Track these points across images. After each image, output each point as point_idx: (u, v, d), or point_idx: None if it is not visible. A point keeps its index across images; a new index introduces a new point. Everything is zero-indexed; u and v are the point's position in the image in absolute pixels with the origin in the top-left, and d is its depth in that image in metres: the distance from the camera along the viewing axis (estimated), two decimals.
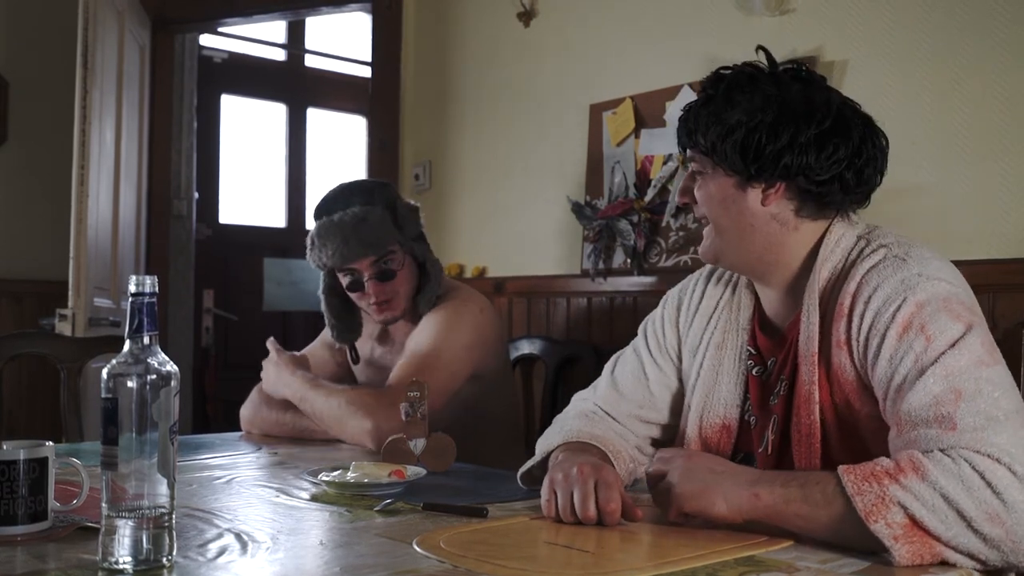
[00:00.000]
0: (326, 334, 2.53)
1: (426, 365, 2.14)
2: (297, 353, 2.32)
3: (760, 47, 1.54)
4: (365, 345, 2.47)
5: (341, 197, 2.29)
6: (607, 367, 1.75)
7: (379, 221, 2.23)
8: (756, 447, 1.52)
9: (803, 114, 1.44)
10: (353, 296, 2.32)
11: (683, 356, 1.67)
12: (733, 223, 1.50)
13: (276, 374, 2.25)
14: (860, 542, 1.18)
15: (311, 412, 2.16)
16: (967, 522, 1.13)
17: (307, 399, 2.17)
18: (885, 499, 1.15)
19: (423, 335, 2.24)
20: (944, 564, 1.16)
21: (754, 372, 1.55)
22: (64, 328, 3.25)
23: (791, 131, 1.43)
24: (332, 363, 2.53)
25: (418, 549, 1.22)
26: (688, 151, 1.55)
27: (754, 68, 1.50)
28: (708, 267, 1.71)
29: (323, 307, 2.39)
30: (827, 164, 1.44)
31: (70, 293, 3.28)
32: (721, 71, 1.52)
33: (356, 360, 2.46)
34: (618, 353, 1.77)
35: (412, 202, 2.37)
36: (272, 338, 2.37)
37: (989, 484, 1.14)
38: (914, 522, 1.14)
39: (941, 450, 1.19)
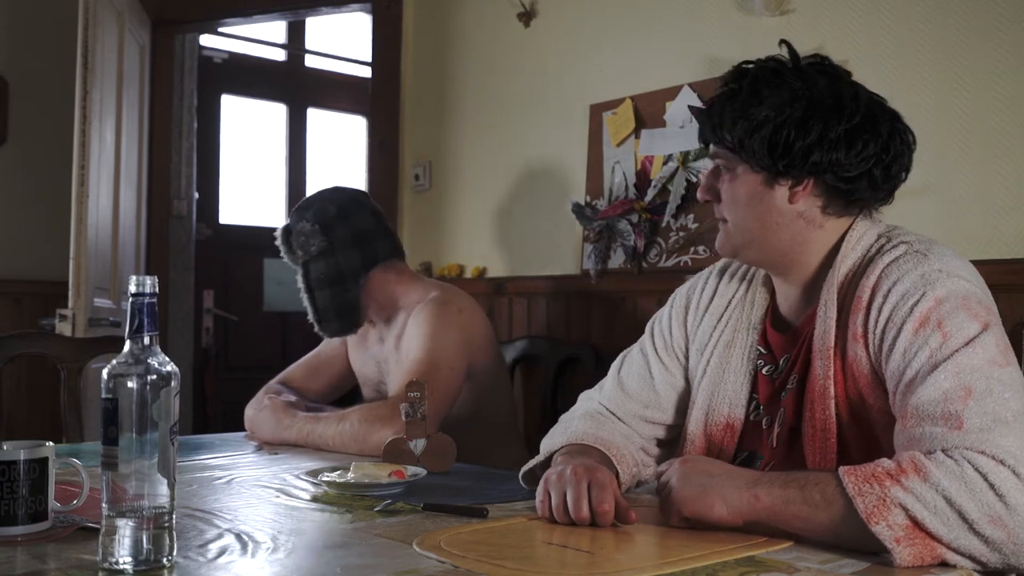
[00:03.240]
0: (331, 341, 2.56)
1: (424, 371, 2.14)
2: (292, 398, 2.35)
3: (783, 41, 1.51)
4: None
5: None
6: (614, 366, 1.75)
7: (281, 241, 2.41)
8: (765, 443, 1.51)
9: (832, 109, 1.42)
10: None
11: (690, 355, 1.66)
12: (759, 221, 1.48)
13: (274, 421, 2.25)
14: (860, 543, 1.17)
15: (323, 443, 2.14)
16: (969, 524, 1.13)
17: (315, 432, 2.16)
18: (886, 500, 1.15)
19: (412, 343, 2.27)
20: (944, 565, 1.15)
21: (764, 371, 1.54)
22: (64, 328, 3.25)
23: (820, 126, 1.41)
24: (334, 368, 2.56)
25: (418, 549, 1.21)
26: (712, 147, 1.52)
27: (778, 62, 1.48)
28: (721, 263, 1.70)
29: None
30: (856, 160, 1.42)
31: (70, 293, 3.27)
32: (743, 65, 1.49)
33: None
34: (625, 352, 1.76)
35: (306, 227, 2.35)
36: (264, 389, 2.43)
37: (992, 486, 1.13)
38: (915, 524, 1.14)
39: (944, 450, 1.18)
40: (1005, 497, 1.13)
